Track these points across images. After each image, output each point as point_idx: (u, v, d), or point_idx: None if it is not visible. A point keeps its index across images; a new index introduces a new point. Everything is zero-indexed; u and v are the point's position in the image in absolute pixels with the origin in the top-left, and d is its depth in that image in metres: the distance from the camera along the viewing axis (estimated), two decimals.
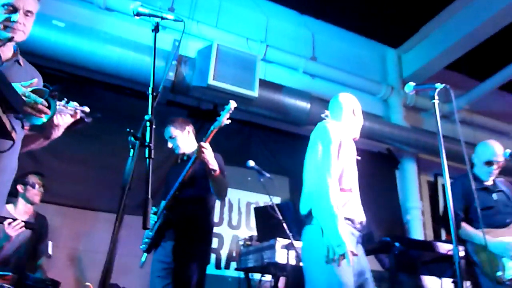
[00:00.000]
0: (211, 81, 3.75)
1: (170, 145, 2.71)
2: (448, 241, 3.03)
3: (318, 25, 5.47)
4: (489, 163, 2.91)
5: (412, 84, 1.99)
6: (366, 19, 5.36)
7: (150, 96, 1.41)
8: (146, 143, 1.31)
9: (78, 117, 1.67)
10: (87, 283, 3.25)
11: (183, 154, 2.74)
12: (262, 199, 4.51)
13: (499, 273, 2.58)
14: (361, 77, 5.33)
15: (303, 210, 1.96)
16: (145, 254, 2.43)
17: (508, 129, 6.33)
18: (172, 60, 3.74)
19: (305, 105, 4.44)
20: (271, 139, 4.80)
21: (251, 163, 3.12)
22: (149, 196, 1.25)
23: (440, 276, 3.60)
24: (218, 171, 2.41)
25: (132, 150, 1.31)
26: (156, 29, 1.58)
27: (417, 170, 5.45)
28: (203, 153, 2.34)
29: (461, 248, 2.93)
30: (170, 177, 2.75)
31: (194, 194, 2.51)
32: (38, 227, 3.01)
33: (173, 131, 2.68)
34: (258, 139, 4.70)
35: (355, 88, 5.23)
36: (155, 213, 2.51)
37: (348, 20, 5.44)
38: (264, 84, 4.29)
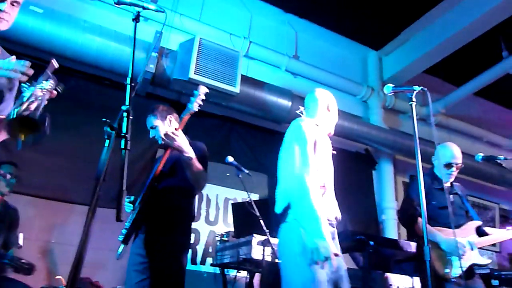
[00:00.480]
0: (192, 75, 3.72)
1: (151, 134, 2.60)
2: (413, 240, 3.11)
3: (302, 24, 5.48)
4: (449, 165, 2.98)
5: (391, 85, 2.02)
6: (349, 21, 5.41)
7: (128, 86, 1.38)
8: (122, 134, 1.28)
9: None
10: (58, 276, 3.18)
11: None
12: (241, 196, 4.51)
13: (447, 270, 2.67)
14: (342, 77, 5.38)
15: (278, 208, 1.96)
16: (122, 245, 2.34)
17: (482, 134, 6.53)
18: (152, 52, 3.68)
19: (286, 103, 4.46)
20: (251, 136, 4.80)
21: (230, 158, 3.11)
22: (124, 188, 1.22)
23: (411, 274, 3.70)
24: (194, 159, 2.30)
25: (107, 141, 1.29)
26: (136, 19, 1.55)
27: (393, 171, 5.56)
28: (175, 140, 2.24)
29: (413, 244, 3.02)
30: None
31: (174, 184, 2.43)
32: None
33: (154, 121, 2.57)
34: (238, 136, 4.69)
35: (336, 88, 5.29)
36: (131, 202, 2.45)
37: (332, 20, 5.47)
38: (246, 80, 4.29)
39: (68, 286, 1.07)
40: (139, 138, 3.55)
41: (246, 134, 4.77)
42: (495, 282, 3.04)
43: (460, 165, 3.00)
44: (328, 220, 1.92)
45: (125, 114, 1.32)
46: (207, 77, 3.80)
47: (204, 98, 2.38)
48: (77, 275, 1.09)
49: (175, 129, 2.32)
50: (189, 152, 2.29)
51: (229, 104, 4.24)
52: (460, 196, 3.07)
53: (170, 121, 2.63)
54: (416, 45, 5.27)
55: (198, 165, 2.33)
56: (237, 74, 4.00)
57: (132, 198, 2.47)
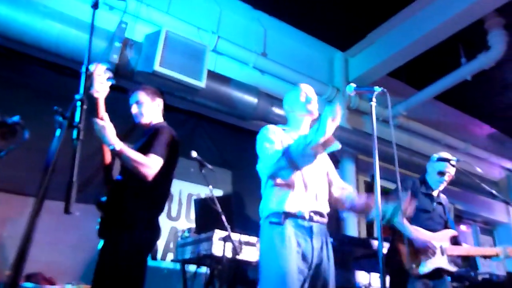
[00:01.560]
0: (157, 68, 3.64)
1: (134, 110, 2.41)
2: (386, 238, 3.21)
3: (271, 22, 5.50)
4: (442, 173, 3.12)
5: (353, 85, 2.05)
6: (318, 21, 5.48)
7: (83, 74, 1.33)
8: (75, 124, 1.24)
9: None
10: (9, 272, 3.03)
11: (144, 126, 2.46)
12: (205, 191, 4.47)
13: (414, 266, 2.80)
14: (309, 77, 5.44)
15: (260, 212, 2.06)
16: (102, 240, 2.23)
17: (440, 137, 6.80)
18: (116, 42, 3.58)
19: (252, 99, 4.46)
20: (216, 132, 4.77)
21: (194, 154, 3.07)
22: (74, 179, 1.18)
23: (369, 271, 3.81)
24: (121, 149, 2.05)
25: (59, 130, 1.24)
26: (95, 6, 1.49)
27: (355, 170, 5.69)
28: (100, 129, 2.03)
29: (385, 244, 3.13)
30: None
31: (125, 178, 2.28)
32: None
33: (142, 96, 2.41)
34: (203, 131, 4.65)
35: None
36: None
37: (301, 20, 5.52)
38: (212, 75, 4.25)
39: (9, 283, 1.02)
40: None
41: (211, 129, 4.73)
42: (448, 278, 3.19)
43: (451, 175, 3.14)
44: (298, 217, 1.94)
45: (78, 103, 1.27)
46: (173, 70, 3.74)
47: (101, 75, 2.12)
48: (19, 271, 1.04)
49: (99, 117, 2.11)
50: (115, 143, 2.05)
51: (195, 98, 4.19)
52: (444, 207, 3.22)
53: (159, 105, 2.47)
54: (381, 48, 5.42)
55: (128, 154, 2.07)
56: (204, 69, 3.95)
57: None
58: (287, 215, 1.92)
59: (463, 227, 7.74)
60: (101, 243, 2.23)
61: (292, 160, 1.86)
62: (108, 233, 2.22)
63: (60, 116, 1.24)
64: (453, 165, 3.07)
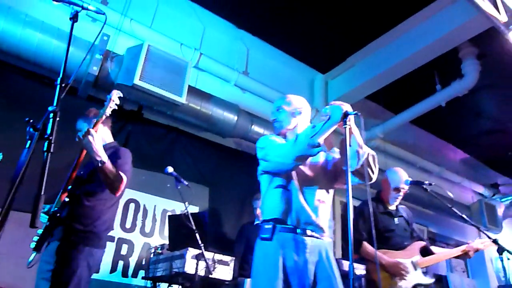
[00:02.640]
0: (137, 81, 3.63)
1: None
2: (355, 260, 3.23)
3: (254, 42, 5.58)
4: (397, 189, 3.17)
5: (328, 107, 2.09)
6: (300, 43, 5.59)
7: (58, 86, 1.32)
8: (46, 136, 1.22)
9: None
10: None
11: None
12: (180, 207, 4.41)
13: None
14: None
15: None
16: (34, 253, 2.21)
17: (415, 160, 6.93)
18: (97, 54, 3.56)
19: (232, 117, 4.48)
20: (195, 147, 4.75)
21: (170, 169, 3.05)
22: (42, 193, 1.16)
23: None
24: (106, 163, 2.23)
25: (29, 142, 1.22)
26: (74, 18, 1.49)
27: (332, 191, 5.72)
28: (90, 141, 2.18)
29: (362, 266, 3.14)
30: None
31: (90, 190, 2.36)
32: None
33: (83, 124, 2.54)
34: (182, 146, 4.62)
35: None
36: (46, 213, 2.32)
37: (283, 41, 5.63)
38: (193, 91, 4.26)
39: None
40: (76, 143, 3.38)
41: (190, 145, 4.71)
42: None
43: (406, 190, 3.20)
44: (294, 227, 1.92)
45: (51, 115, 1.26)
46: (153, 85, 3.73)
47: (117, 102, 2.33)
48: None
49: (89, 130, 2.23)
50: (102, 156, 2.21)
51: (174, 113, 4.18)
52: (405, 219, 3.25)
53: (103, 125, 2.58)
54: (360, 72, 5.55)
55: (111, 169, 2.25)
56: (184, 84, 3.96)
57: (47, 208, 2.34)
58: (279, 222, 1.91)
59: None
60: (32, 256, 2.23)
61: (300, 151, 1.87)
62: (60, 249, 2.21)
63: (31, 127, 1.23)
64: (408, 184, 3.14)
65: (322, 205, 2.04)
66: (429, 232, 7.18)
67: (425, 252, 3.14)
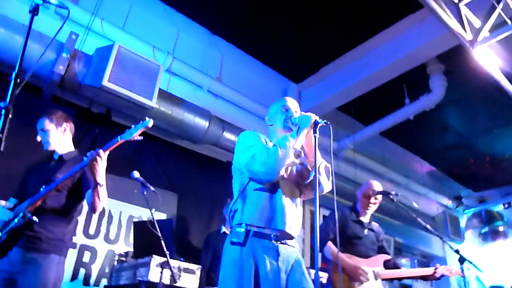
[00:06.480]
0: (105, 83, 3.51)
1: (39, 138, 2.43)
2: (322, 268, 3.24)
3: (228, 48, 5.56)
4: (367, 197, 3.25)
5: (296, 117, 2.11)
6: (274, 52, 5.61)
7: (12, 81, 1.25)
8: None
9: None
10: None
11: (52, 152, 2.49)
12: (147, 214, 4.27)
13: None
14: (262, 105, 5.50)
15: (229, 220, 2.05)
16: None
17: (384, 171, 7.07)
18: (64, 53, 3.43)
19: (203, 123, 4.42)
20: (164, 153, 4.64)
21: (136, 174, 2.96)
22: None
23: None
24: (104, 186, 2.22)
25: None
26: (35, 11, 1.42)
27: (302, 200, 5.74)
28: (97, 162, 2.11)
29: (327, 275, 3.16)
30: (30, 176, 2.44)
31: (61, 202, 2.28)
32: None
33: (47, 124, 2.41)
34: (150, 151, 4.50)
35: (255, 114, 5.40)
36: (12, 209, 2.21)
37: (258, 49, 5.63)
38: (164, 95, 4.18)
39: None
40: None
41: (159, 150, 4.60)
42: None
43: (378, 200, 3.29)
44: (265, 232, 1.87)
45: (3, 111, 1.18)
46: (122, 87, 3.62)
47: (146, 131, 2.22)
48: None
49: (99, 152, 2.14)
50: (102, 179, 2.19)
51: (144, 117, 4.06)
52: (376, 234, 3.31)
53: (65, 129, 2.48)
54: (332, 83, 5.62)
55: (105, 192, 2.25)
56: (155, 88, 3.87)
57: (13, 202, 2.23)
58: (252, 226, 1.86)
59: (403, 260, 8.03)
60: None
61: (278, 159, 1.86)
62: (31, 258, 2.12)
63: None
64: (379, 194, 3.21)
65: (296, 213, 2.03)
66: (395, 242, 7.31)
67: (391, 266, 3.19)
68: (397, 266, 3.22)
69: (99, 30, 4.26)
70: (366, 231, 3.26)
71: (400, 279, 3.31)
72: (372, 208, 3.31)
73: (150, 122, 2.15)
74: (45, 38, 3.53)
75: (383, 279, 3.07)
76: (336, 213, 1.85)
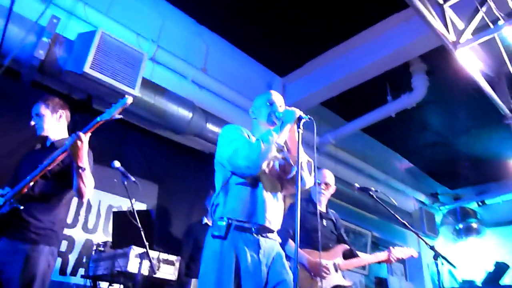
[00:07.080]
0: (87, 69, 3.43)
1: (33, 122, 2.38)
2: None
3: (214, 39, 5.51)
4: (318, 184, 3.26)
5: (281, 111, 2.11)
6: (260, 44, 5.59)
7: None
8: None
9: None
10: None
11: (45, 138, 2.44)
12: (127, 204, 4.23)
13: None
14: (246, 97, 5.49)
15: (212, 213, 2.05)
16: None
17: (364, 167, 7.18)
18: (44, 37, 3.34)
19: (187, 114, 4.38)
20: (146, 143, 4.59)
21: (117, 163, 2.92)
22: None
23: None
24: (86, 170, 2.19)
25: None
26: None
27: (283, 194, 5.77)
28: (78, 146, 2.07)
29: None
30: (23, 163, 2.40)
31: (49, 189, 2.23)
32: None
33: (43, 109, 2.37)
34: (132, 141, 4.45)
35: (239, 106, 5.38)
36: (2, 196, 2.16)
37: (243, 41, 5.60)
38: (147, 84, 4.13)
39: None
40: (18, 127, 3.16)
41: (141, 140, 4.55)
42: None
43: (329, 184, 3.31)
44: (246, 226, 1.88)
45: None
46: (104, 74, 3.54)
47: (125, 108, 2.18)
48: None
49: (80, 135, 2.10)
50: (85, 163, 2.15)
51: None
52: (334, 223, 3.33)
53: (60, 116, 2.44)
54: (316, 78, 5.64)
55: (90, 175, 2.21)
56: (138, 76, 3.80)
57: (7, 191, 2.18)
58: (234, 219, 1.87)
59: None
60: None
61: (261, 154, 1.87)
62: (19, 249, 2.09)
63: None
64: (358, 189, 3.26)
65: (277, 207, 2.05)
66: (372, 236, 7.45)
67: (349, 255, 3.24)
68: (354, 255, 3.27)
69: (82, 15, 4.15)
70: (324, 222, 3.28)
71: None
72: (326, 196, 3.33)
73: (129, 99, 2.13)
74: (25, 20, 3.42)
75: (343, 270, 3.12)
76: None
